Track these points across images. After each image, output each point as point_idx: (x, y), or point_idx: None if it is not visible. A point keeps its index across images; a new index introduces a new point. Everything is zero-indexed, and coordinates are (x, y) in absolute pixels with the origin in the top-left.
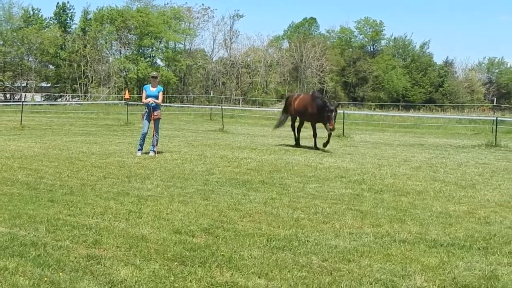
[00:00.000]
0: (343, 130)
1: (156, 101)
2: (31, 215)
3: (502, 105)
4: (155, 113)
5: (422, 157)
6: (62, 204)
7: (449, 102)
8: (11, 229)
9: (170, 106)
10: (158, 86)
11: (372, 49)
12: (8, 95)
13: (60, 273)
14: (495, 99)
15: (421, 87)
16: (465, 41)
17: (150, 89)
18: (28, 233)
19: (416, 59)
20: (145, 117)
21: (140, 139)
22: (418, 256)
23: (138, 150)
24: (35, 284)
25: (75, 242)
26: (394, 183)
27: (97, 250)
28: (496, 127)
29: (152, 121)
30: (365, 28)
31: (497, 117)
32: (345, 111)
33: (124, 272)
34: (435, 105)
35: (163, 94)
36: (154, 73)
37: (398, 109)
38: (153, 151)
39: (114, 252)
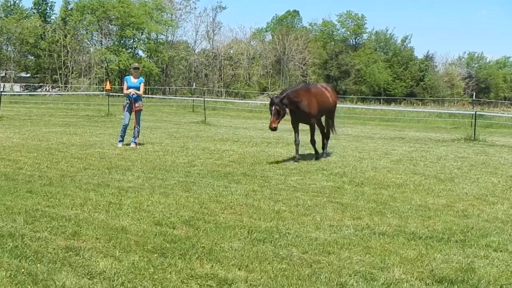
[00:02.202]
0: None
1: (138, 92)
2: (9, 206)
3: (481, 100)
4: (137, 105)
5: (403, 151)
6: (41, 195)
7: (430, 96)
8: None
9: (152, 97)
10: (140, 77)
11: (354, 43)
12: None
13: (38, 265)
14: (474, 93)
15: (402, 81)
16: (446, 36)
17: (131, 80)
18: (6, 224)
19: (397, 53)
20: (126, 109)
21: (121, 130)
22: (397, 248)
23: (119, 141)
24: (12, 276)
25: (54, 233)
26: (375, 176)
27: (76, 242)
28: (475, 121)
29: (133, 113)
30: (347, 21)
31: (476, 111)
32: None
33: (103, 263)
34: (416, 99)
35: (145, 85)
36: (136, 64)
37: (380, 103)
38: (134, 142)
39: (93, 243)
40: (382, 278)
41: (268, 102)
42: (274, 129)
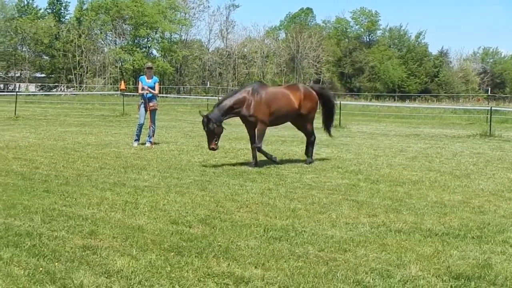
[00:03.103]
0: (340, 121)
1: (153, 91)
2: (26, 205)
3: (497, 95)
4: (151, 104)
5: (418, 147)
6: (58, 194)
7: (444, 92)
8: (5, 219)
9: (166, 97)
10: (154, 76)
11: (368, 40)
12: (1, 85)
13: (56, 263)
14: (489, 89)
15: (416, 77)
16: (460, 31)
17: (145, 80)
18: (23, 223)
19: (411, 49)
20: (141, 108)
21: (137, 129)
22: (413, 245)
23: (135, 140)
24: (31, 274)
25: (71, 232)
26: (390, 173)
27: (93, 241)
28: (491, 117)
29: (148, 112)
30: (360, 18)
31: (491, 107)
32: (342, 102)
33: (120, 262)
34: (431, 95)
35: (159, 85)
36: (149, 64)
37: (394, 100)
38: (150, 141)
39: (110, 242)
40: (398, 275)
41: None
42: (213, 149)
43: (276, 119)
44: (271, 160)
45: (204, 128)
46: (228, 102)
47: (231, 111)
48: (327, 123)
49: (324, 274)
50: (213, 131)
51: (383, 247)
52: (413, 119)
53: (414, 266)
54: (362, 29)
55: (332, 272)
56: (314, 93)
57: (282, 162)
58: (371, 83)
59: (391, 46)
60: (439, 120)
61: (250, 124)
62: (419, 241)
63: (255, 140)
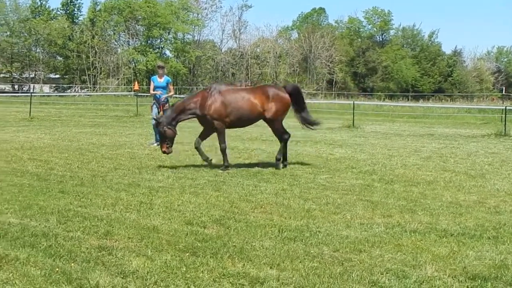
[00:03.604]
0: (353, 121)
1: (169, 94)
2: (42, 206)
3: (511, 94)
4: (164, 105)
5: (432, 147)
6: (73, 195)
7: (458, 92)
8: (21, 219)
9: (180, 97)
10: (166, 76)
11: (380, 39)
12: (16, 86)
13: (72, 264)
14: (504, 88)
15: (430, 77)
16: (474, 30)
17: (158, 80)
18: (39, 224)
19: (425, 48)
20: (153, 108)
21: (154, 130)
22: (429, 246)
23: (155, 140)
24: (47, 275)
25: (87, 233)
26: (405, 174)
27: (109, 241)
28: (505, 116)
29: (161, 112)
30: (373, 18)
31: (506, 106)
32: (355, 102)
33: (135, 262)
34: (444, 95)
35: (172, 85)
36: (160, 63)
37: (408, 99)
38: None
39: (126, 243)
40: (414, 275)
41: None
42: (165, 153)
43: (236, 121)
44: (205, 161)
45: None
46: (183, 104)
47: (186, 113)
48: (305, 119)
49: (339, 275)
50: (163, 134)
51: (398, 247)
52: (427, 119)
53: (430, 267)
54: (375, 29)
55: (347, 272)
56: (285, 95)
57: (297, 162)
58: (384, 83)
59: (404, 46)
60: (453, 120)
61: (207, 123)
62: (434, 242)
63: (204, 138)
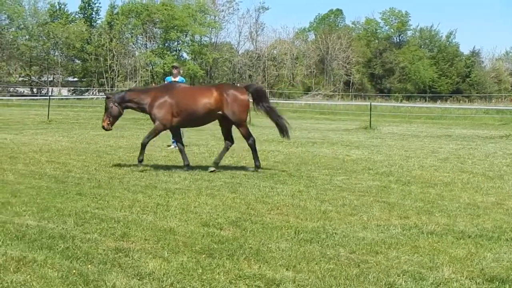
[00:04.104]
0: (370, 122)
1: None
2: (59, 208)
3: None
4: None
5: (450, 148)
6: (90, 197)
7: (476, 93)
8: (39, 222)
9: None
10: (180, 77)
11: (398, 40)
12: (35, 89)
13: (89, 266)
14: None
15: (448, 77)
16: (492, 30)
17: (172, 80)
18: (57, 226)
19: (442, 49)
20: None
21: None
22: (446, 247)
23: (172, 142)
24: (64, 276)
25: (103, 235)
26: (422, 175)
27: (125, 243)
28: None
29: None
30: (390, 19)
31: None
32: (372, 103)
33: (152, 264)
34: (462, 96)
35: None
36: (175, 64)
37: (425, 100)
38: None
39: (142, 244)
40: (431, 277)
41: None
42: (103, 128)
43: (188, 120)
44: (138, 161)
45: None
46: (136, 92)
47: (134, 102)
48: (277, 124)
49: (355, 276)
50: (108, 109)
51: (415, 249)
52: (445, 119)
53: (447, 269)
54: (392, 30)
55: (364, 274)
56: (242, 95)
57: (313, 164)
58: (401, 84)
59: (422, 46)
60: (471, 121)
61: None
62: (452, 243)
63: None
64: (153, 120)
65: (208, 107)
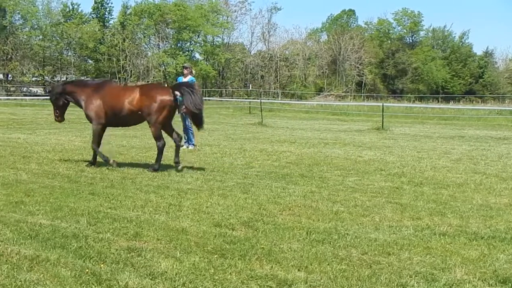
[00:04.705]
0: (383, 123)
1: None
2: (72, 208)
3: None
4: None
5: (462, 149)
6: (103, 197)
7: (490, 93)
8: (52, 221)
9: (209, 100)
10: (190, 76)
11: (410, 41)
12: (48, 89)
13: (101, 265)
14: None
15: (460, 78)
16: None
17: (183, 80)
18: (70, 225)
19: (455, 50)
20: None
21: (183, 132)
22: (459, 249)
23: (185, 142)
24: (77, 276)
25: (116, 234)
26: (434, 176)
27: (138, 243)
28: None
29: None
30: (403, 19)
31: None
32: (384, 104)
33: (164, 264)
34: (475, 97)
35: (197, 85)
36: (186, 64)
37: (438, 101)
38: (192, 144)
39: (155, 244)
40: (443, 279)
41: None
42: (57, 121)
43: (114, 119)
44: (105, 161)
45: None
46: (76, 85)
47: (72, 96)
48: (194, 121)
49: (367, 277)
50: (52, 102)
51: (427, 250)
52: (458, 120)
53: (460, 270)
54: (404, 30)
55: (376, 275)
56: (161, 95)
57: (325, 164)
58: (414, 85)
59: (435, 47)
60: (484, 122)
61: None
62: (464, 245)
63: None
64: (89, 121)
65: (129, 107)
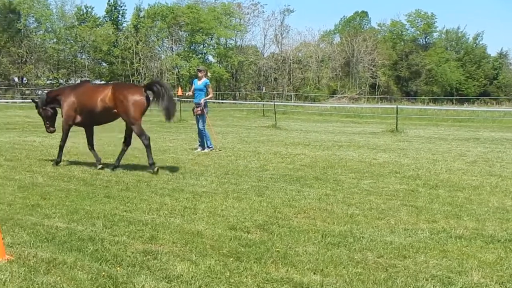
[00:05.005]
0: (397, 125)
1: (206, 98)
2: (88, 211)
3: None
4: (197, 109)
5: (478, 152)
6: (118, 200)
7: (504, 95)
8: (69, 224)
9: (222, 102)
10: (205, 79)
11: (424, 42)
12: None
13: (118, 268)
14: None
15: (475, 80)
16: None
17: (197, 82)
18: (86, 228)
19: (469, 51)
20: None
21: (198, 135)
22: (475, 252)
23: (198, 146)
24: (93, 278)
25: (132, 237)
26: (450, 178)
27: (154, 246)
28: None
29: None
30: (416, 21)
31: None
32: (398, 106)
33: (180, 267)
34: (490, 98)
35: (211, 87)
36: (200, 67)
37: (452, 103)
38: (208, 147)
39: (170, 247)
40: (460, 282)
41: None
42: (49, 132)
43: (88, 118)
44: (55, 162)
45: None
46: (54, 91)
47: (55, 101)
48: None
49: (383, 281)
50: (41, 115)
51: (443, 253)
52: (472, 122)
53: (476, 273)
54: (418, 32)
55: (392, 278)
56: (134, 94)
57: (340, 167)
58: (428, 87)
59: (448, 49)
60: (499, 124)
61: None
62: (481, 248)
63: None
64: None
65: (102, 105)
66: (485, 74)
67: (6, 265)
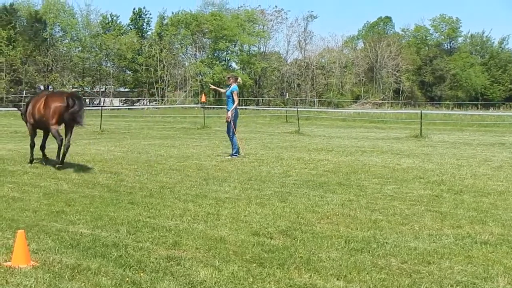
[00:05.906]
0: (421, 131)
1: (233, 106)
2: (112, 217)
3: None
4: (227, 116)
5: (503, 157)
6: (142, 206)
7: None
8: (93, 230)
9: (245, 108)
10: (234, 85)
11: (448, 47)
12: (87, 100)
13: (141, 274)
14: None
15: (500, 84)
16: None
17: (227, 89)
18: (110, 235)
19: (494, 55)
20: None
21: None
22: (501, 258)
23: (235, 152)
24: (117, 284)
25: (155, 243)
26: (475, 184)
27: (177, 252)
28: None
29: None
30: (440, 25)
31: None
32: (423, 111)
33: (203, 273)
34: None
35: (236, 94)
36: (228, 74)
37: (477, 108)
38: (231, 155)
39: (194, 253)
40: None
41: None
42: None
43: (37, 123)
44: (29, 160)
45: None
46: (30, 99)
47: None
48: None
49: (407, 287)
50: (25, 121)
51: (468, 259)
52: (498, 127)
53: (502, 279)
54: (442, 37)
55: (416, 284)
56: (53, 102)
57: (363, 172)
58: (452, 91)
59: (473, 53)
60: None
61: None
62: (506, 253)
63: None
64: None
65: (39, 111)
66: (511, 79)
67: (31, 271)
